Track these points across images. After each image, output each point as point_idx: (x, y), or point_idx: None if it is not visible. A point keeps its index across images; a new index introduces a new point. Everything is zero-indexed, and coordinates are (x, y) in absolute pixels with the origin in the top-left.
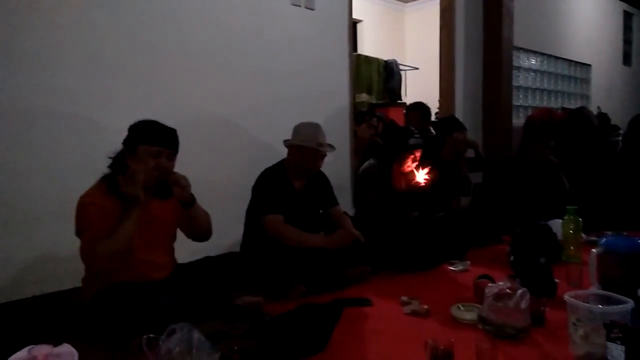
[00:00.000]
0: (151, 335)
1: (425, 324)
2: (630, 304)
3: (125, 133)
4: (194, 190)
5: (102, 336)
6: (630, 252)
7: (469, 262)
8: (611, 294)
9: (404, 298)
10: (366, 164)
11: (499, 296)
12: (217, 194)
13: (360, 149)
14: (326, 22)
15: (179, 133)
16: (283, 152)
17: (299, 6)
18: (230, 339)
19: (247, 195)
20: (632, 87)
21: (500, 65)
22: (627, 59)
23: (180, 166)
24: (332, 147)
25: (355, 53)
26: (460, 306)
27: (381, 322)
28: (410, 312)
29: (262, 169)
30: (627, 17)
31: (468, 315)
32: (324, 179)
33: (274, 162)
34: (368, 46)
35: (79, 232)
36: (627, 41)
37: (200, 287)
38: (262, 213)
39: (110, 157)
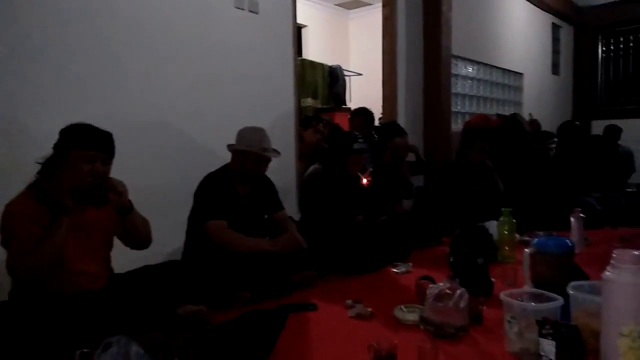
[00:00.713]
0: (85, 350)
1: (369, 327)
2: (560, 301)
3: (55, 137)
4: (132, 196)
5: (31, 353)
6: (560, 251)
7: (411, 264)
8: (543, 291)
9: (349, 301)
10: (311, 168)
11: (440, 296)
12: (156, 200)
13: (306, 153)
14: (270, 26)
15: (115, 137)
16: (226, 157)
17: (243, 9)
18: (170, 350)
19: (189, 201)
20: (560, 95)
21: (440, 72)
22: (555, 68)
23: (117, 171)
24: (276, 152)
25: (300, 58)
26: (403, 307)
27: (326, 327)
28: (355, 315)
29: (205, 174)
30: (556, 29)
31: (410, 316)
32: (268, 184)
33: (217, 167)
34: (313, 51)
35: (4, 243)
36: (556, 52)
37: (138, 298)
38: (205, 219)
39: (40, 163)
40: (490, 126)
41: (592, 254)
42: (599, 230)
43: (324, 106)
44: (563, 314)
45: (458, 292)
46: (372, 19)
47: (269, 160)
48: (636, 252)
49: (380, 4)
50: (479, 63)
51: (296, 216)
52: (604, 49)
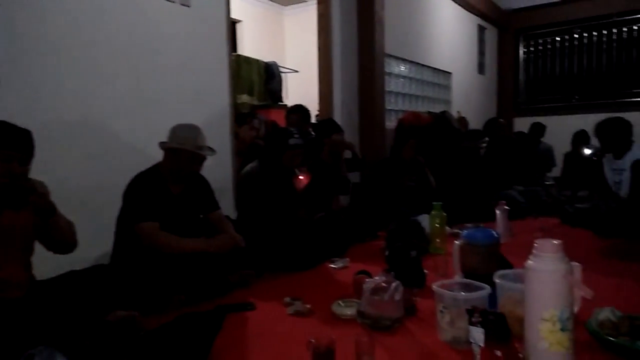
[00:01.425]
0: None
1: (308, 323)
2: (487, 290)
3: None
4: (55, 197)
5: None
6: (487, 242)
7: (348, 259)
8: (472, 281)
9: (287, 299)
10: (248, 166)
11: (376, 290)
12: (83, 202)
13: (242, 151)
14: (203, 20)
15: (35, 135)
16: (158, 156)
17: (174, 2)
18: (101, 359)
19: (118, 202)
20: (486, 94)
21: (374, 71)
22: (481, 68)
23: (39, 172)
24: (211, 149)
25: (234, 53)
26: (340, 302)
27: (265, 326)
28: (294, 312)
29: (135, 174)
30: (481, 30)
31: (348, 310)
32: (203, 183)
33: (148, 166)
34: (248, 47)
35: None
36: (481, 52)
37: (64, 305)
38: (136, 221)
39: None
40: (421, 123)
41: (516, 243)
42: (522, 221)
43: (260, 103)
44: (491, 302)
45: (393, 285)
46: (307, 16)
47: (203, 158)
48: (555, 242)
49: (315, 1)
50: (410, 62)
51: (233, 215)
52: (524, 50)
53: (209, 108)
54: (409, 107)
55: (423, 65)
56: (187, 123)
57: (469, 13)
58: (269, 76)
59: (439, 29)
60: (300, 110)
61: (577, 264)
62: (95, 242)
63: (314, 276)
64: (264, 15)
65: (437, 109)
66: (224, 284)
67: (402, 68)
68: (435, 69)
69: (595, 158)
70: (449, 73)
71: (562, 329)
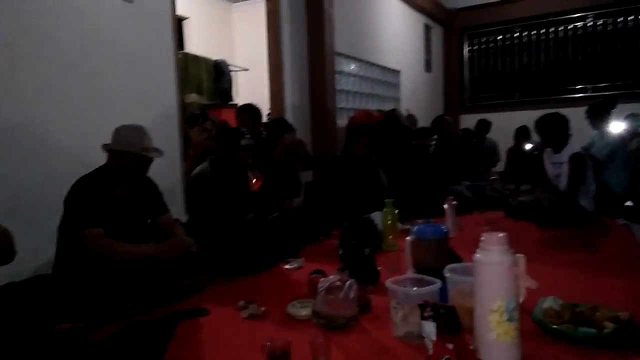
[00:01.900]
0: None
1: (263, 326)
2: (438, 284)
3: None
4: None
5: None
6: (436, 237)
7: (303, 259)
8: (423, 276)
9: (242, 303)
10: (198, 168)
11: (330, 289)
12: (22, 209)
13: (194, 153)
14: (147, 16)
15: None
16: (101, 159)
17: None
18: None
19: (59, 208)
20: (433, 91)
21: (324, 69)
22: (428, 66)
23: None
24: (159, 151)
25: (182, 51)
26: (296, 303)
27: (219, 331)
28: (248, 316)
29: (77, 178)
30: (427, 29)
31: (304, 311)
32: (151, 186)
33: (91, 169)
34: (196, 45)
35: None
36: (428, 50)
37: (3, 320)
38: (79, 227)
39: None
40: (372, 122)
41: (464, 237)
42: (469, 215)
43: (210, 102)
44: (442, 296)
45: (347, 283)
46: (256, 13)
47: (150, 160)
48: (500, 235)
49: None
50: (360, 60)
51: (184, 219)
52: (469, 48)
53: (156, 108)
54: (359, 105)
55: (372, 64)
56: (131, 124)
57: (415, 12)
58: (218, 74)
59: (387, 27)
60: (250, 110)
61: (521, 255)
62: (35, 252)
63: (269, 278)
64: (211, 12)
65: (386, 107)
66: (175, 290)
67: (352, 66)
68: (384, 67)
69: (535, 153)
70: (398, 71)
71: (509, 319)
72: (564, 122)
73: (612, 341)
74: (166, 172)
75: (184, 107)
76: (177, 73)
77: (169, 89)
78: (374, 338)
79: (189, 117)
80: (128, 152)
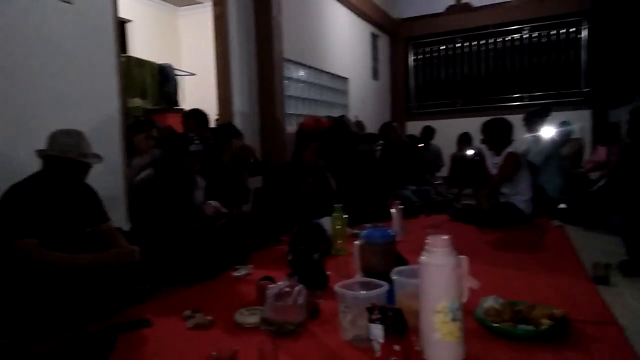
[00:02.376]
0: None
1: (210, 336)
2: (385, 287)
3: None
4: None
5: None
6: (384, 241)
7: (252, 266)
8: (371, 279)
9: (187, 312)
10: (143, 173)
11: (279, 295)
12: None
13: (139, 162)
14: (87, 18)
15: None
16: (34, 165)
17: None
18: None
19: None
20: (380, 98)
21: (273, 75)
22: (375, 74)
23: None
24: (98, 157)
25: (124, 55)
26: (244, 311)
27: (163, 342)
28: (194, 325)
29: (8, 186)
30: (374, 38)
31: (252, 318)
32: (90, 193)
33: (24, 176)
34: (140, 48)
35: None
36: (375, 59)
37: None
38: (12, 238)
39: None
40: (321, 128)
41: (411, 240)
42: (415, 219)
43: (155, 107)
44: (389, 298)
45: (297, 289)
46: (203, 18)
47: (89, 166)
48: (444, 237)
49: (210, 3)
50: (309, 67)
51: (126, 227)
52: (414, 57)
53: (97, 112)
54: (308, 111)
55: (321, 71)
56: (69, 128)
57: (362, 21)
58: (163, 79)
59: (336, 35)
60: (196, 115)
61: (464, 257)
62: None
63: (216, 286)
64: (156, 15)
65: (335, 113)
66: (116, 301)
67: (301, 73)
68: (332, 74)
69: (477, 158)
70: (346, 78)
71: (453, 319)
72: (508, 126)
73: (549, 337)
74: (107, 178)
75: (127, 111)
76: (119, 77)
77: (111, 93)
78: (323, 342)
79: (134, 123)
80: (64, 158)
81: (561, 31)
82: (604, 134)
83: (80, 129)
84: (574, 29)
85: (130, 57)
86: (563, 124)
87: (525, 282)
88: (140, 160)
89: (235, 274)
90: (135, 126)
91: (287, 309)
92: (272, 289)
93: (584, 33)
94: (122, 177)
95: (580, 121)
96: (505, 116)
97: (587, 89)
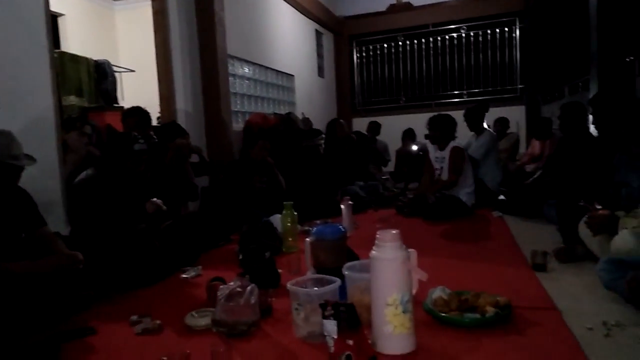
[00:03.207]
0: None
1: (159, 341)
2: (337, 282)
3: None
4: None
5: None
6: (335, 237)
7: (201, 267)
8: (323, 276)
9: (134, 317)
10: (83, 174)
11: (231, 296)
12: None
13: (74, 160)
14: (16, 11)
15: None
16: None
17: None
18: None
19: None
20: (326, 95)
21: (217, 72)
22: (321, 71)
23: None
24: (31, 158)
25: (58, 50)
26: (194, 313)
27: (109, 350)
28: (142, 331)
29: None
30: (319, 35)
31: (203, 321)
32: (24, 197)
33: None
34: (74, 44)
35: None
36: (320, 56)
37: None
38: None
39: None
40: (269, 125)
41: (360, 235)
42: (364, 213)
43: (92, 105)
44: (341, 294)
45: (249, 288)
46: (141, 12)
47: (20, 169)
48: (394, 231)
49: None
50: (254, 64)
51: (64, 231)
52: (358, 55)
53: (28, 111)
54: (255, 108)
55: (267, 68)
56: None
57: (306, 18)
58: (100, 76)
59: (280, 32)
60: (138, 113)
61: (412, 250)
62: None
63: (164, 289)
64: (91, 9)
65: (282, 110)
66: (57, 310)
67: (247, 70)
68: (278, 71)
69: (421, 153)
70: (292, 76)
71: (404, 311)
72: (453, 122)
73: (494, 324)
74: (42, 181)
75: (61, 109)
76: (53, 74)
77: (44, 91)
78: (277, 341)
79: (65, 121)
80: None
81: (497, 30)
82: (537, 129)
83: (11, 128)
84: (508, 29)
85: (63, 52)
86: (500, 119)
87: (470, 271)
88: (73, 156)
89: (184, 275)
90: (66, 124)
91: (239, 310)
92: (224, 289)
93: (517, 32)
94: (59, 178)
95: (516, 116)
96: (446, 112)
97: (521, 86)
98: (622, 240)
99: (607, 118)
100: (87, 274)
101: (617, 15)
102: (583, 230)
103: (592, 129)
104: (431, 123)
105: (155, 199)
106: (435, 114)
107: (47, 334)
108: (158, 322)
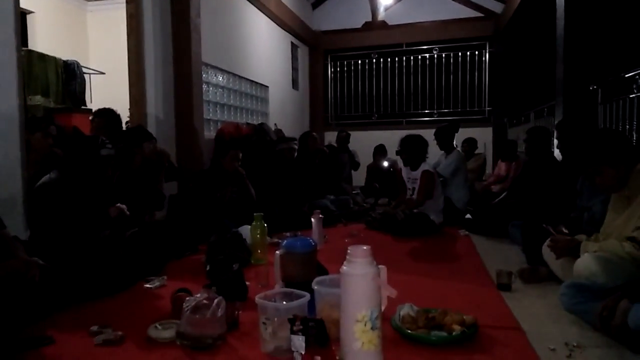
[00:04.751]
0: None
1: (120, 353)
2: (307, 297)
3: None
4: None
5: None
6: (305, 250)
7: (166, 277)
8: (293, 290)
9: (94, 328)
10: (46, 177)
11: (197, 308)
12: None
13: (34, 158)
14: None
15: None
16: None
17: None
18: None
19: None
20: (300, 108)
21: (191, 78)
22: (295, 83)
23: None
24: None
25: (25, 48)
26: (157, 325)
27: None
28: (102, 342)
29: None
30: (294, 48)
31: (166, 333)
32: None
33: None
34: (42, 42)
35: None
36: (295, 68)
37: None
38: None
39: None
40: (241, 134)
41: (330, 249)
42: (334, 227)
43: (59, 106)
44: (310, 308)
45: (215, 301)
46: (114, 14)
47: None
48: (365, 247)
49: (123, 0)
50: (228, 73)
51: (23, 235)
52: (332, 69)
53: None
54: (227, 117)
55: (241, 77)
56: None
57: (283, 30)
58: (69, 76)
59: (256, 42)
60: (106, 115)
61: (382, 266)
62: None
63: (127, 299)
64: (62, 8)
65: (255, 120)
66: (12, 318)
67: (221, 78)
68: (253, 81)
69: (392, 170)
70: (266, 86)
71: (373, 328)
72: (424, 143)
73: (460, 342)
74: (3, 182)
75: (26, 111)
76: (19, 72)
77: (9, 90)
78: (243, 356)
79: (28, 121)
80: None
81: (467, 53)
82: (503, 151)
83: None
84: (478, 52)
85: (31, 51)
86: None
87: (437, 289)
88: (35, 155)
89: (148, 285)
90: (30, 124)
91: (205, 322)
92: (189, 301)
93: (487, 56)
94: (21, 181)
95: (483, 137)
96: (417, 130)
97: (489, 108)
98: (584, 264)
99: (572, 143)
100: (47, 280)
101: (582, 46)
102: (547, 253)
103: (557, 153)
104: (402, 144)
105: (119, 204)
106: (407, 133)
107: (1, 342)
108: (119, 333)
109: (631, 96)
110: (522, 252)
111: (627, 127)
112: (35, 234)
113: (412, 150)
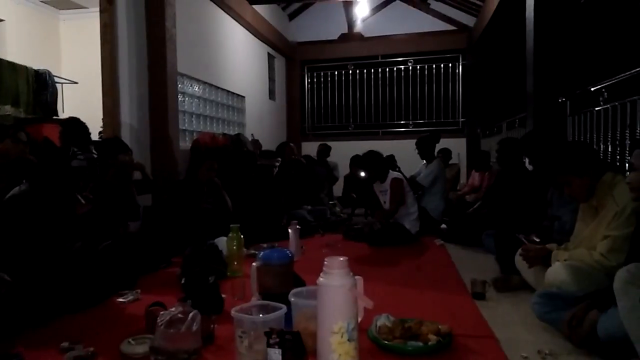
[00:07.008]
0: None
1: None
2: (283, 309)
3: None
4: None
5: None
6: (282, 262)
7: (139, 291)
8: (269, 302)
9: (65, 344)
10: (16, 189)
11: (171, 322)
12: None
13: (5, 169)
14: None
15: None
16: None
17: None
18: None
19: None
20: (277, 118)
21: (166, 88)
22: (272, 94)
23: None
24: None
25: None
26: (131, 340)
27: None
28: (73, 359)
29: None
30: (271, 59)
31: (140, 348)
32: None
33: None
34: (13, 51)
35: None
36: (272, 79)
37: None
38: None
39: None
40: (217, 145)
41: (307, 260)
42: (311, 238)
43: (29, 116)
44: (287, 321)
45: (190, 314)
46: (87, 23)
47: None
48: (342, 259)
49: (97, 9)
50: (204, 83)
51: None
52: (309, 80)
53: None
54: (203, 128)
55: (218, 88)
56: None
57: (259, 41)
58: (40, 86)
59: (232, 52)
60: (76, 125)
61: (359, 277)
62: None
63: (99, 314)
64: (33, 16)
65: (232, 131)
66: None
67: (196, 88)
68: (229, 91)
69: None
70: (243, 97)
71: (349, 340)
72: (379, 157)
73: (436, 351)
74: None
75: None
76: None
77: None
78: None
79: None
80: None
81: (441, 65)
82: (477, 161)
83: None
84: (451, 65)
85: (1, 59)
86: (443, 150)
87: (413, 298)
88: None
89: (121, 299)
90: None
91: (180, 337)
92: (164, 315)
93: (460, 69)
94: None
95: (458, 148)
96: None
97: (463, 119)
98: (554, 273)
99: (539, 155)
100: (13, 296)
101: (551, 59)
102: (519, 262)
103: (528, 163)
104: (363, 166)
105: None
106: (364, 153)
107: None
108: (91, 349)
109: (597, 109)
110: (495, 261)
111: (595, 138)
112: (2, 246)
113: (374, 165)
